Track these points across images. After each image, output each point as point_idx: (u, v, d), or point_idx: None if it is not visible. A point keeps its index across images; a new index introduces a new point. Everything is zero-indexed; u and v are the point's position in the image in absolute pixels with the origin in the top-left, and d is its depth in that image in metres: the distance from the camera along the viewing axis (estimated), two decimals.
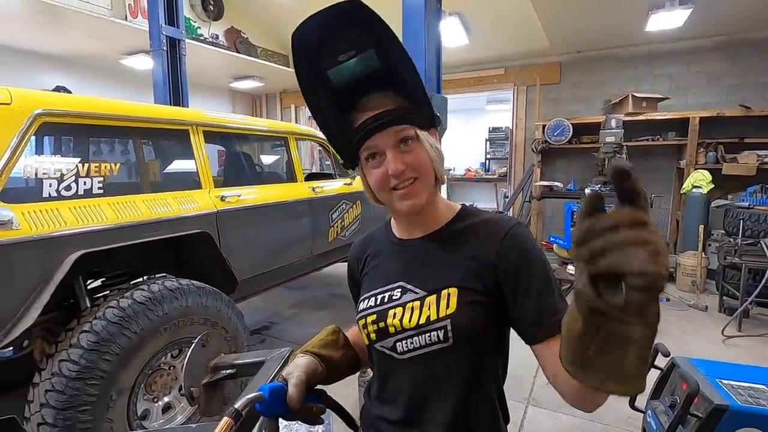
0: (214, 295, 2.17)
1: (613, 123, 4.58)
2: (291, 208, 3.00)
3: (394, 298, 0.78)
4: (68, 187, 1.83)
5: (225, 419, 0.64)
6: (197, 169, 2.41)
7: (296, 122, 8.86)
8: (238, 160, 3.12)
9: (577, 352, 0.49)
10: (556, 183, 5.30)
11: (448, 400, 0.75)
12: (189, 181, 2.39)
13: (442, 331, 0.72)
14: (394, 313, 0.76)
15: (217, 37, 5.94)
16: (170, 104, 4.31)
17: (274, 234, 2.85)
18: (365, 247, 0.92)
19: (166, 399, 2.02)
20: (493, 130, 8.05)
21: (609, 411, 2.36)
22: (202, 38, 5.67)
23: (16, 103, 1.72)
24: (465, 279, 0.73)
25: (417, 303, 0.75)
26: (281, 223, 2.91)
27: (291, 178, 3.21)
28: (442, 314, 0.72)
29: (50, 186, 1.77)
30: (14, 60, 5.54)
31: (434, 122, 0.77)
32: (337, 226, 3.50)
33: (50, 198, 1.76)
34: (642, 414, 1.49)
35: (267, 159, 4.71)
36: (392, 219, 0.89)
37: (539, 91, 6.19)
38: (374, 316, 0.79)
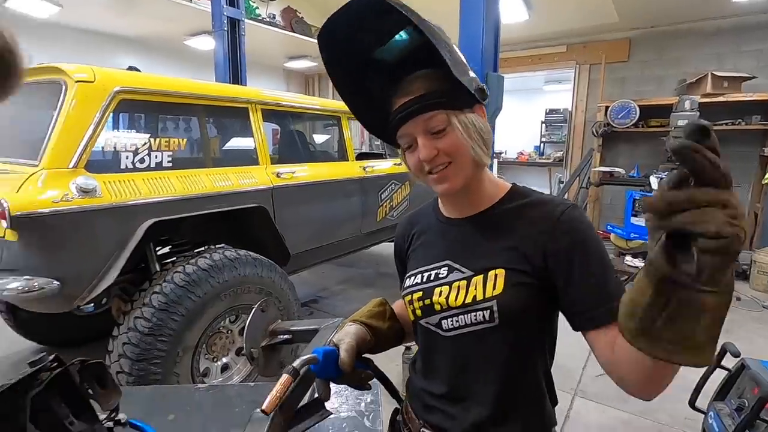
0: (269, 267, 2.28)
1: (687, 105, 4.20)
2: (342, 186, 3.06)
3: (440, 276, 0.79)
4: (142, 160, 1.97)
5: (285, 376, 0.68)
6: (255, 145, 2.51)
7: (335, 96, 8.90)
8: (293, 138, 3.21)
9: (645, 324, 0.47)
10: (617, 169, 4.99)
11: (492, 379, 0.74)
12: (247, 158, 2.49)
13: (488, 311, 0.71)
14: (440, 291, 0.77)
15: (274, 17, 6.06)
16: (230, 83, 4.49)
17: (326, 211, 2.93)
18: (412, 224, 0.92)
19: (224, 360, 2.18)
20: (550, 111, 7.66)
21: (664, 409, 2.25)
22: (259, 18, 5.81)
23: (99, 81, 1.86)
24: (513, 260, 0.72)
25: (463, 282, 0.75)
26: (332, 200, 2.98)
27: (342, 157, 3.26)
28: (488, 295, 0.71)
29: (127, 158, 1.92)
30: (96, 42, 5.99)
31: (476, 99, 0.72)
32: (385, 206, 3.53)
33: (127, 170, 1.92)
34: (703, 415, 1.41)
35: (319, 138, 4.80)
36: (439, 197, 0.88)
37: (604, 70, 5.78)
38: (420, 293, 0.80)
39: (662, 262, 0.43)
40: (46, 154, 1.73)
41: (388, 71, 0.76)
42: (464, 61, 0.72)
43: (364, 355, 0.83)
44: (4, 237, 1.63)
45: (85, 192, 1.73)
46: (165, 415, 1.03)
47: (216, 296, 1.99)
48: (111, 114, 1.89)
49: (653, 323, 0.47)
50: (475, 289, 0.73)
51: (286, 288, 2.37)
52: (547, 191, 7.68)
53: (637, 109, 5.11)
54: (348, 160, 3.24)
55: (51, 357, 0.90)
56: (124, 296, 2.23)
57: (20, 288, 1.62)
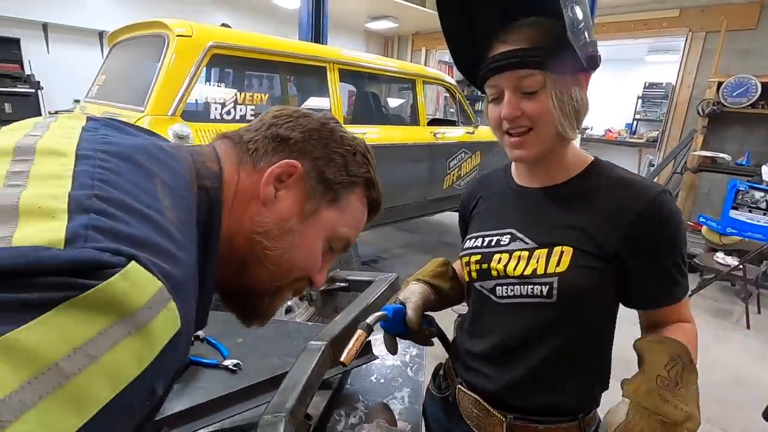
0: None
1: None
2: (410, 150, 3.07)
3: (501, 243, 0.78)
4: (228, 112, 2.14)
5: (359, 332, 0.74)
6: (330, 105, 2.58)
7: (426, 65, 8.72)
8: (367, 99, 3.25)
9: None
10: (721, 154, 4.42)
11: (538, 353, 0.74)
12: None
13: (547, 287, 0.70)
14: (500, 258, 0.77)
15: None
16: (312, 41, 4.60)
17: (392, 174, 2.97)
18: (481, 186, 0.91)
19: (288, 302, 2.38)
20: (650, 86, 6.89)
21: (738, 419, 2.09)
22: None
23: (195, 36, 2.02)
24: (583, 241, 0.69)
25: (525, 253, 0.74)
26: (399, 164, 3.00)
27: (414, 121, 3.24)
28: (550, 270, 0.70)
29: (215, 110, 2.09)
30: (191, 0, 6.38)
31: (583, 67, 0.66)
32: (453, 174, 3.49)
33: (215, 120, 2.09)
34: None
35: (394, 101, 4.79)
36: (513, 162, 0.86)
37: (723, 39, 5.02)
38: (478, 257, 0.80)
39: None
40: (149, 102, 1.93)
41: (501, 5, 0.71)
42: (588, 18, 0.65)
43: (426, 313, 0.86)
44: None
45: (179, 138, 1.92)
46: (235, 338, 1.18)
47: None
48: (204, 67, 2.05)
49: None
50: (537, 262, 0.72)
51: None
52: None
53: (759, 86, 4.42)
54: (419, 125, 3.22)
55: None
56: None
57: None
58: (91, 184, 0.31)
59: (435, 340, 0.90)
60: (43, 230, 0.26)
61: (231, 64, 2.34)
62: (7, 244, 0.25)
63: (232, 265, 0.48)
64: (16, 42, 5.04)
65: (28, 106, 4.86)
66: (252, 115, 2.22)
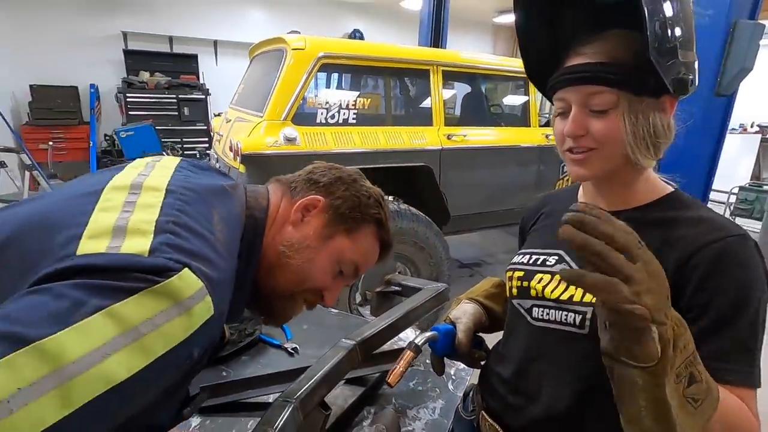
0: (425, 223, 2.43)
1: None
2: (517, 153, 2.91)
3: (547, 263, 0.74)
4: (332, 116, 2.33)
5: (408, 353, 0.75)
6: (432, 107, 2.61)
7: None
8: (474, 100, 3.18)
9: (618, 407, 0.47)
10: None
11: (564, 386, 0.68)
12: (423, 118, 2.63)
13: (580, 316, 0.65)
14: (541, 278, 0.72)
15: None
16: (431, 42, 4.65)
17: (495, 176, 2.86)
18: (546, 202, 0.87)
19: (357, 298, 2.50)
20: None
21: None
22: None
23: (308, 48, 2.25)
24: None
25: None
26: (504, 167, 2.88)
27: (525, 122, 3.06)
28: (587, 299, 0.64)
29: (321, 114, 2.30)
30: (331, 10, 7.01)
31: (667, 90, 0.58)
32: (567, 180, 3.20)
33: (320, 124, 2.30)
34: None
35: (508, 100, 4.58)
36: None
37: None
38: (522, 273, 0.76)
39: (601, 338, 0.45)
40: (267, 108, 2.23)
41: (589, 12, 0.67)
42: (688, 35, 0.59)
43: (478, 334, 0.84)
44: (237, 168, 2.23)
45: (289, 140, 2.17)
46: (301, 324, 1.31)
47: None
48: (314, 76, 2.27)
49: (618, 405, 0.47)
50: (576, 288, 0.66)
51: (440, 245, 2.49)
52: None
53: None
54: (530, 126, 3.03)
55: None
56: None
57: None
58: (171, 213, 0.47)
59: None
60: (138, 244, 0.42)
61: (339, 71, 2.54)
62: (117, 251, 0.41)
63: (264, 271, 0.62)
64: (194, 57, 6.23)
65: (200, 109, 5.96)
66: (354, 119, 2.38)
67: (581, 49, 0.63)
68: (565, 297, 0.67)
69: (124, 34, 5.85)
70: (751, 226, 5.05)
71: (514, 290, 0.77)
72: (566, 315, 0.67)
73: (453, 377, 1.10)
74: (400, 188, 2.84)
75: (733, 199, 5.28)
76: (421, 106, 2.70)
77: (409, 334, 1.22)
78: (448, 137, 2.61)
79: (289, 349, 1.18)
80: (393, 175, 2.63)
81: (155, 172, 0.54)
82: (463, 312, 0.82)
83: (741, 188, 5.23)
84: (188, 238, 0.45)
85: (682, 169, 2.50)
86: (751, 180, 6.69)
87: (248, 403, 0.96)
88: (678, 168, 2.47)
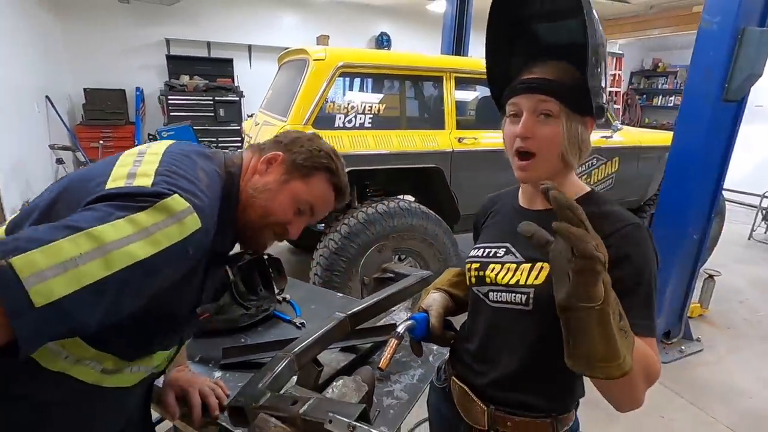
0: (435, 221, 2.59)
1: None
2: None
3: (498, 255, 0.89)
4: (350, 121, 2.53)
5: (393, 340, 0.90)
6: (444, 111, 2.76)
7: None
8: (487, 103, 3.29)
9: (568, 349, 0.59)
10: None
11: (517, 353, 0.84)
12: (435, 122, 2.78)
13: (525, 296, 0.80)
14: (493, 268, 0.88)
15: None
16: (453, 45, 4.77)
17: (504, 178, 2.97)
18: (493, 203, 1.02)
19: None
20: None
21: None
22: None
23: (328, 58, 2.45)
24: None
25: (513, 266, 0.84)
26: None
27: None
28: (529, 282, 0.80)
29: (339, 119, 2.50)
30: (359, 13, 7.22)
31: (593, 112, 0.76)
32: None
33: (338, 128, 2.51)
34: None
35: None
36: (520, 186, 0.95)
37: None
38: (477, 265, 0.92)
39: (558, 294, 0.55)
40: (291, 113, 2.45)
41: (535, 43, 0.85)
42: (603, 79, 0.78)
43: (447, 318, 1.00)
44: None
45: None
46: (310, 304, 1.51)
47: (385, 236, 2.45)
48: (333, 84, 2.48)
49: (568, 344, 0.58)
50: (521, 274, 0.82)
51: (448, 242, 2.65)
52: None
53: None
54: None
55: None
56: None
57: None
58: (166, 165, 0.69)
59: None
60: (144, 181, 0.64)
61: (356, 78, 2.73)
62: (131, 185, 0.63)
63: (240, 210, 0.82)
64: (230, 61, 6.60)
65: (234, 110, 6.33)
66: (369, 123, 2.57)
67: (533, 68, 0.79)
68: (513, 282, 0.83)
69: (167, 41, 6.29)
70: None
71: (473, 279, 0.92)
72: (515, 296, 0.82)
73: (434, 352, 1.27)
74: (414, 188, 3.02)
75: (765, 203, 5.11)
76: (434, 110, 2.85)
77: (402, 316, 1.40)
78: (459, 140, 2.76)
79: (298, 324, 1.38)
80: (406, 175, 2.80)
81: (155, 146, 0.77)
82: (433, 300, 0.97)
83: None
84: (177, 179, 0.66)
85: (692, 174, 2.59)
86: None
87: (259, 362, 1.17)
88: (689, 170, 2.57)
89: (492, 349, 0.89)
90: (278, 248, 4.23)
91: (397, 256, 2.62)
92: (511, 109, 0.81)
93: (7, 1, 4.18)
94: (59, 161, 4.43)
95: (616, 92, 8.66)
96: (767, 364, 2.73)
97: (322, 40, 6.92)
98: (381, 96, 2.83)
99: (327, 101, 2.50)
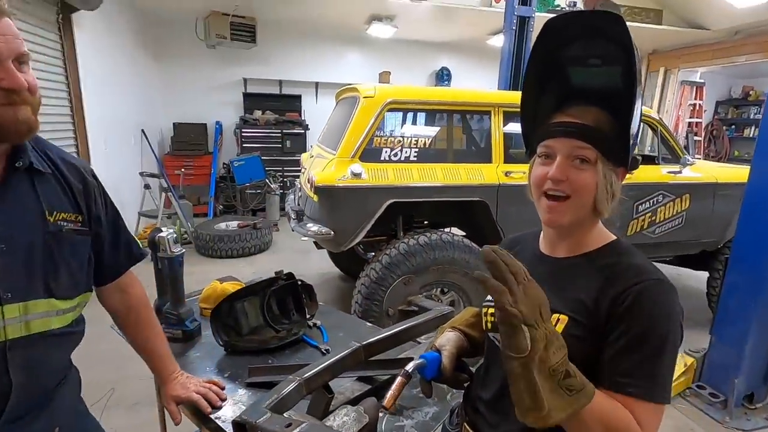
0: (477, 254, 2.55)
1: None
2: None
3: None
4: (396, 154, 2.62)
5: (400, 378, 0.85)
6: (492, 145, 2.76)
7: (664, 87, 7.47)
8: None
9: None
10: None
11: None
12: (483, 155, 2.78)
13: None
14: None
15: (575, 5, 5.77)
16: (510, 79, 4.76)
17: None
18: (514, 244, 0.99)
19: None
20: None
21: None
22: (558, 8, 5.69)
23: (377, 95, 2.59)
24: (578, 312, 0.75)
25: None
26: None
27: None
28: None
29: (385, 152, 2.60)
30: (420, 49, 7.49)
31: (626, 163, 0.75)
32: (643, 220, 3.05)
33: (383, 161, 2.60)
34: None
35: None
36: (543, 230, 0.91)
37: None
38: (493, 310, 0.91)
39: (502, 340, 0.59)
40: (340, 147, 2.60)
41: (566, 84, 0.82)
42: (636, 127, 0.76)
43: (461, 358, 0.97)
44: (312, 198, 2.62)
45: (355, 175, 2.50)
46: (339, 331, 1.56)
47: (426, 268, 2.45)
48: (382, 120, 2.60)
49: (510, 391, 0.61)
50: None
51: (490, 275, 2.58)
52: None
53: None
54: None
55: (286, 273, 1.56)
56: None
57: (315, 231, 2.58)
58: None
59: None
60: None
61: (403, 113, 2.83)
62: None
63: None
64: (298, 98, 7.12)
65: (300, 142, 6.76)
66: (414, 156, 2.64)
67: (569, 111, 0.78)
68: None
69: (245, 80, 6.95)
70: None
71: (489, 324, 0.87)
72: None
73: (453, 392, 1.24)
74: (461, 221, 3.00)
75: None
76: (481, 144, 2.86)
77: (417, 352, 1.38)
78: (506, 174, 2.72)
79: (323, 350, 1.43)
80: (453, 208, 2.81)
81: None
82: (447, 340, 0.95)
83: None
84: None
85: None
86: None
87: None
88: (766, 210, 2.34)
89: (507, 401, 0.86)
90: (330, 275, 4.37)
91: (440, 290, 2.60)
92: (544, 150, 0.79)
93: (115, 45, 4.91)
94: (146, 187, 5.00)
95: (698, 123, 8.00)
96: None
97: (384, 76, 7.23)
98: (428, 130, 2.89)
99: (375, 135, 2.61)
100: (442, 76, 7.64)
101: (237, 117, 6.86)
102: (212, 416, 1.10)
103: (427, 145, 2.70)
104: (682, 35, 6.48)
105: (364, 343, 1.12)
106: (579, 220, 0.77)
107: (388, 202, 2.52)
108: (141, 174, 5.09)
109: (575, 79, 0.80)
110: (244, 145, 6.51)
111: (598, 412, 0.64)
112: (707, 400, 2.49)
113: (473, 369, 0.99)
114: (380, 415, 0.97)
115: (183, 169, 5.99)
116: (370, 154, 2.62)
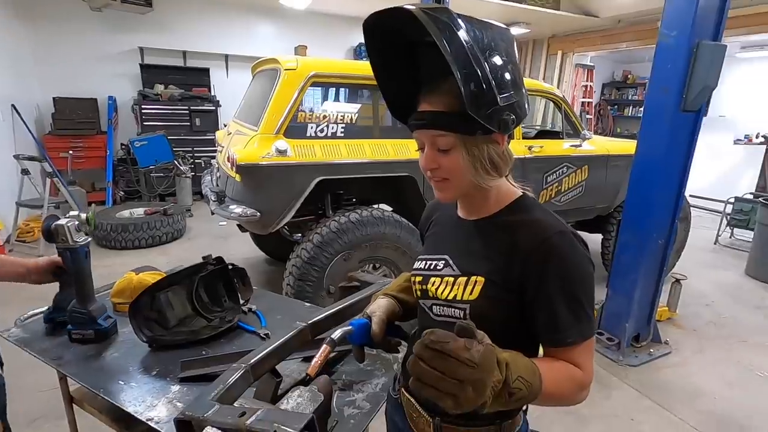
0: (408, 229, 2.60)
1: None
2: None
3: (437, 267, 0.88)
4: (321, 130, 2.53)
5: (324, 346, 0.86)
6: None
7: (561, 70, 8.18)
8: None
9: None
10: None
11: None
12: (408, 131, 2.80)
13: (462, 312, 0.80)
14: (434, 281, 0.86)
15: None
16: None
17: None
18: (435, 210, 1.01)
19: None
20: None
21: None
22: None
23: (300, 68, 2.46)
24: (493, 271, 0.77)
25: (451, 279, 0.83)
26: None
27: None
28: (465, 298, 0.79)
29: (311, 128, 2.50)
30: (338, 24, 7.28)
31: (496, 128, 0.70)
32: (551, 189, 3.34)
33: (310, 137, 2.51)
34: None
35: None
36: None
37: None
38: (420, 278, 0.90)
39: None
40: (262, 123, 2.44)
41: (414, 71, 0.81)
42: (514, 77, 0.72)
43: (397, 323, 0.98)
44: (234, 178, 2.44)
45: (280, 152, 2.38)
46: (276, 314, 1.49)
47: (358, 244, 2.45)
48: (305, 93, 2.48)
49: None
50: (457, 289, 0.81)
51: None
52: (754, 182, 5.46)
53: None
54: (513, 138, 3.18)
55: (215, 257, 1.45)
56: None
57: (239, 213, 2.42)
58: None
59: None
60: None
61: (326, 87, 2.74)
62: None
63: None
64: (206, 71, 6.54)
65: (210, 120, 6.26)
66: (342, 132, 2.58)
67: (428, 97, 0.75)
68: (450, 297, 0.82)
69: (141, 50, 6.20)
70: (746, 236, 5.09)
71: (418, 292, 0.91)
72: (454, 311, 0.82)
73: (399, 360, 1.26)
74: (389, 197, 3.02)
75: (729, 209, 5.32)
76: None
77: None
78: None
79: (262, 335, 1.36)
80: (381, 184, 2.81)
81: None
82: (377, 306, 0.96)
83: (737, 199, 5.27)
84: None
85: (655, 180, 2.69)
86: (756, 190, 6.69)
87: (219, 374, 1.14)
88: (651, 177, 2.66)
89: None
90: (254, 259, 4.19)
91: (371, 265, 2.62)
92: (418, 142, 0.80)
93: None
94: (24, 172, 4.28)
95: (589, 103, 8.94)
96: (730, 365, 2.81)
97: (301, 50, 6.93)
98: (354, 106, 2.84)
99: (298, 110, 2.50)
100: (360, 52, 7.53)
101: (135, 92, 6.13)
102: (143, 418, 0.99)
103: (354, 121, 2.64)
104: (576, 21, 7.09)
105: (310, 322, 1.08)
106: (465, 192, 0.79)
107: (317, 180, 2.45)
108: (16, 157, 4.34)
109: (421, 61, 0.80)
110: (145, 123, 5.85)
111: (549, 388, 0.66)
112: (605, 344, 2.87)
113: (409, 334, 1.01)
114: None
115: (71, 151, 5.23)
116: (294, 130, 2.50)
